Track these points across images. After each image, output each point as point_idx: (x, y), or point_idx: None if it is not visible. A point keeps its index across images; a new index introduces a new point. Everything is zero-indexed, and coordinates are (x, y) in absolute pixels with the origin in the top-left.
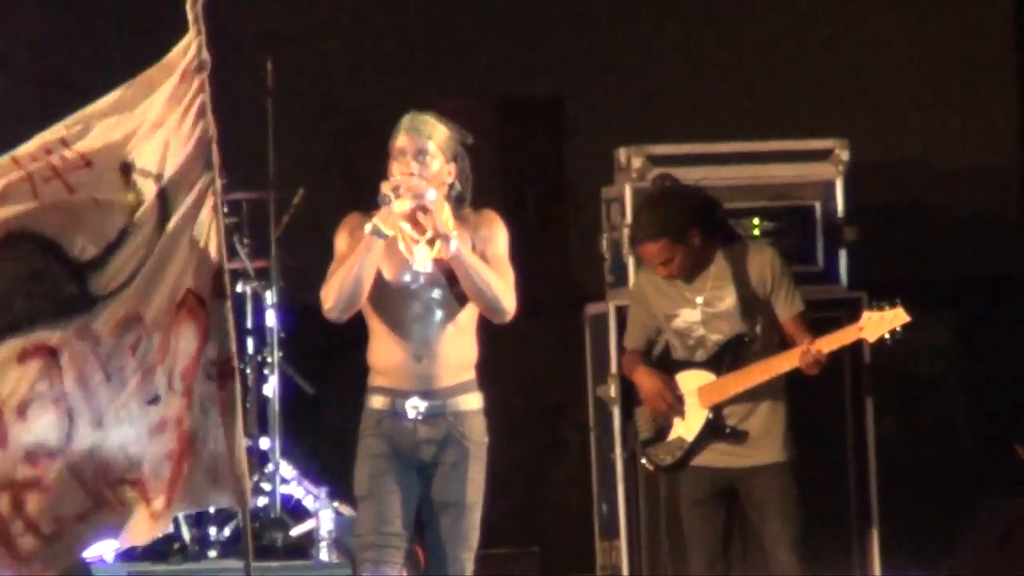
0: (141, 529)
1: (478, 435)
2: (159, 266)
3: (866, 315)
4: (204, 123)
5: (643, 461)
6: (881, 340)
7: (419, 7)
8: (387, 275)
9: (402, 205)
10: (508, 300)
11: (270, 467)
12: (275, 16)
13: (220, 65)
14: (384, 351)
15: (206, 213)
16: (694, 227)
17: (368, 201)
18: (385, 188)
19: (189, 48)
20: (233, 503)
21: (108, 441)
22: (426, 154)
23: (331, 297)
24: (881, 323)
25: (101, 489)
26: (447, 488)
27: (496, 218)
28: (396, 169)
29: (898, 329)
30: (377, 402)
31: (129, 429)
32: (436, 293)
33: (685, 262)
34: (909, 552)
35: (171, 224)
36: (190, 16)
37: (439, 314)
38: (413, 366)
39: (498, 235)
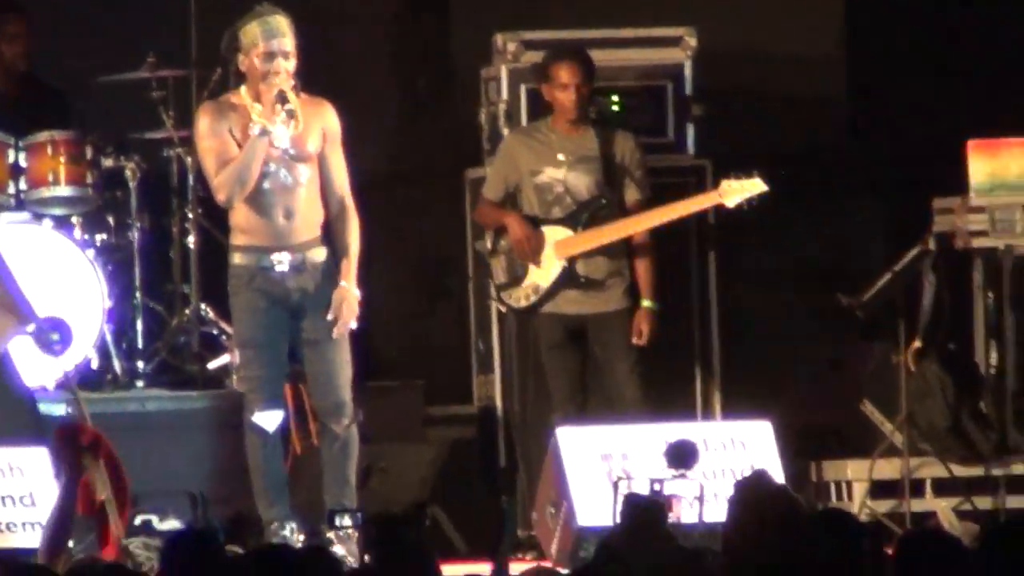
0: None
1: (334, 281)
2: None
3: (725, 183)
4: None
5: (495, 302)
6: (739, 206)
7: None
8: (266, 153)
9: (282, 108)
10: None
11: (189, 309)
12: None
13: None
14: (251, 214)
15: None
16: (592, 79)
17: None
18: (268, 90)
19: None
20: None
21: None
22: (288, 54)
23: (227, 190)
24: (740, 190)
25: None
26: (324, 327)
27: (330, 107)
28: (272, 74)
29: (755, 197)
30: (245, 259)
31: None
32: (300, 168)
33: (582, 101)
34: (745, 397)
35: None
36: None
37: (297, 181)
38: (282, 224)
39: (335, 119)
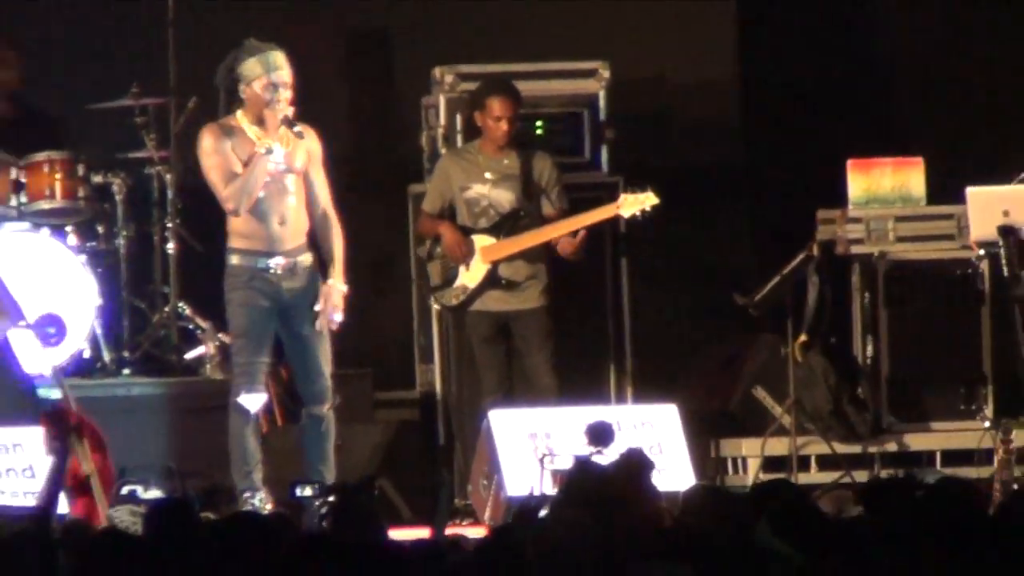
0: None
1: (318, 282)
2: None
3: (623, 196)
4: None
5: (431, 301)
6: (634, 216)
7: None
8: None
9: (289, 130)
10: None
11: (169, 307)
12: None
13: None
14: (251, 221)
15: None
16: (518, 113)
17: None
18: (272, 115)
19: None
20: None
21: None
22: (288, 84)
23: (236, 200)
24: (635, 203)
25: None
26: (310, 322)
27: (314, 132)
28: (275, 102)
29: (648, 208)
30: (243, 261)
31: None
32: (289, 180)
33: (510, 130)
34: (653, 384)
35: None
36: None
37: (289, 193)
38: (277, 230)
39: (319, 145)
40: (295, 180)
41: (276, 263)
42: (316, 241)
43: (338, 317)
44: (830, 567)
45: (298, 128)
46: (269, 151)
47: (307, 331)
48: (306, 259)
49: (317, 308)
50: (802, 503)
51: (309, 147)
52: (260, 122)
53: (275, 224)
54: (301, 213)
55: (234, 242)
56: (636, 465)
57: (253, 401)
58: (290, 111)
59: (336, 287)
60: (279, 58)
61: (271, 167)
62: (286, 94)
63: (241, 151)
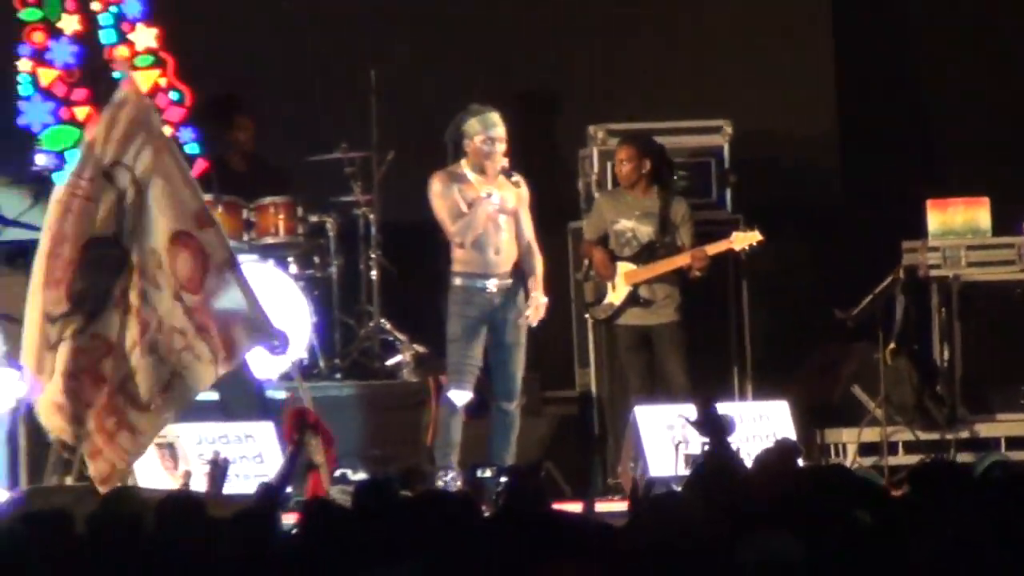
0: (208, 377)
1: (523, 301)
2: (141, 228)
3: (735, 234)
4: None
5: (586, 315)
6: (744, 250)
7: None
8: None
9: (508, 179)
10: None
11: (373, 323)
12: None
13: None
14: (472, 250)
15: (167, 181)
16: (649, 156)
17: (433, 163)
18: (493, 166)
19: (116, 94)
20: (267, 340)
21: (165, 329)
22: (503, 140)
23: (462, 236)
24: (745, 239)
25: (173, 361)
26: (514, 334)
27: (523, 180)
28: (495, 154)
29: (755, 243)
30: (464, 281)
31: (176, 321)
32: (502, 218)
33: (634, 173)
34: (770, 383)
35: (147, 198)
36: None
37: (504, 228)
38: (493, 258)
39: (527, 191)
40: (507, 219)
41: (492, 284)
42: (522, 267)
43: (533, 323)
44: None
45: (515, 177)
46: (489, 195)
47: (509, 340)
48: (514, 282)
49: (527, 314)
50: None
51: (520, 192)
52: (481, 171)
53: (491, 254)
54: (512, 245)
55: (457, 267)
56: (788, 451)
57: (460, 397)
58: (505, 162)
59: (540, 299)
60: (495, 118)
61: (490, 209)
62: (501, 147)
63: (465, 194)
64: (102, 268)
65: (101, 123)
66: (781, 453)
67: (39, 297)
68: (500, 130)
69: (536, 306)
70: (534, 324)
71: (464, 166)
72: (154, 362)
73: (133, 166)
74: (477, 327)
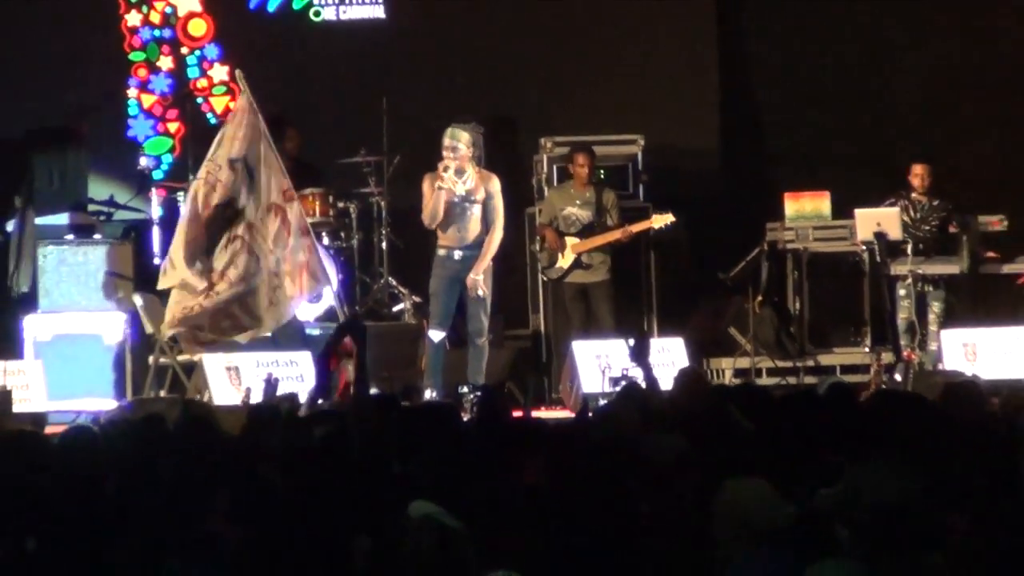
0: (288, 311)
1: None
2: (256, 199)
3: (654, 216)
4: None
5: (541, 276)
6: (663, 227)
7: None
8: (447, 199)
9: (449, 175)
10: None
11: (383, 280)
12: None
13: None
14: (443, 229)
15: (267, 165)
16: (593, 163)
17: (430, 164)
18: (440, 168)
19: (238, 99)
20: (325, 285)
21: (266, 271)
22: (457, 149)
23: (428, 219)
24: (662, 219)
25: (270, 294)
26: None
27: (495, 177)
28: (450, 159)
29: (668, 223)
30: (441, 251)
31: (272, 266)
32: (466, 205)
33: (591, 174)
34: (671, 325)
35: (256, 180)
36: (241, 84)
37: (468, 213)
38: (457, 235)
39: (497, 185)
40: (472, 205)
41: (457, 254)
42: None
43: (481, 293)
44: (770, 432)
45: (467, 175)
46: (441, 188)
47: (472, 295)
48: (477, 252)
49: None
50: (756, 394)
51: (487, 186)
52: (458, 171)
53: (456, 231)
54: (477, 225)
55: (438, 241)
56: (698, 374)
57: (436, 335)
58: (455, 164)
59: (472, 276)
60: (453, 132)
61: (445, 198)
62: (456, 153)
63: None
64: (221, 222)
65: (228, 127)
66: (694, 374)
67: (181, 248)
68: (449, 141)
69: (470, 282)
70: (472, 295)
71: (440, 166)
72: (262, 290)
73: (246, 156)
74: (450, 285)
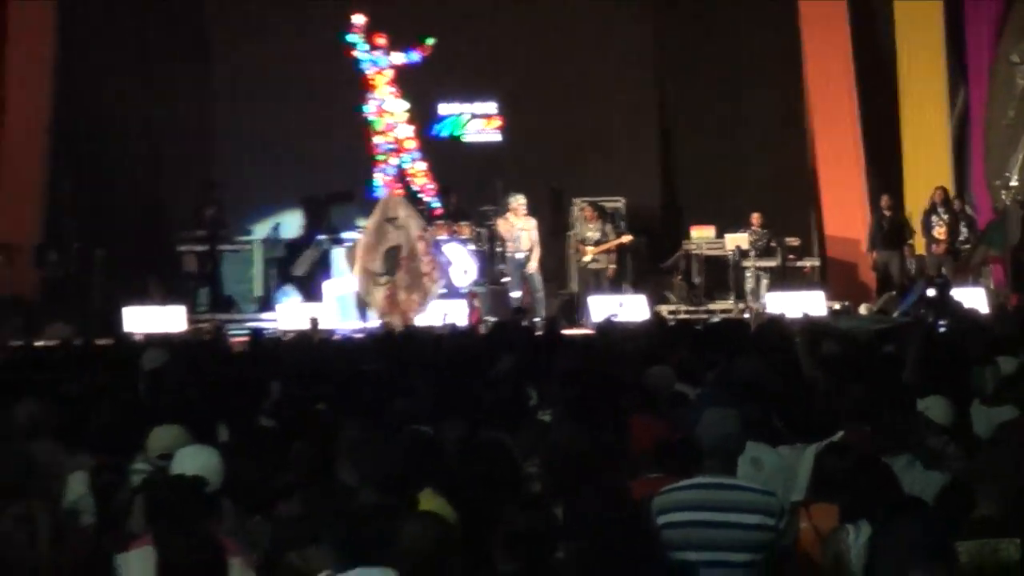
0: (433, 296)
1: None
2: (407, 238)
3: (623, 237)
4: None
5: (577, 263)
6: (627, 243)
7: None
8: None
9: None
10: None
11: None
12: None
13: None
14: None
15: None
16: (601, 213)
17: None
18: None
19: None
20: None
21: (420, 275)
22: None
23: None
24: (627, 238)
25: (426, 286)
26: (533, 272)
27: (535, 223)
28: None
29: (631, 240)
30: (518, 255)
31: (424, 268)
32: (524, 234)
33: (596, 216)
34: (642, 291)
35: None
36: None
37: (527, 236)
38: (517, 246)
39: (535, 228)
40: (528, 235)
41: (521, 255)
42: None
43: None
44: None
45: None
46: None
47: (530, 274)
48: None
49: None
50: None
51: (534, 225)
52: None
53: (516, 246)
54: (528, 243)
55: (506, 247)
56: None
57: (517, 293)
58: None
59: (530, 266)
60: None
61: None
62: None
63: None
64: (390, 244)
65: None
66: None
67: (361, 261)
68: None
69: (531, 269)
70: (530, 273)
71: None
72: (423, 285)
73: (398, 218)
74: (517, 273)
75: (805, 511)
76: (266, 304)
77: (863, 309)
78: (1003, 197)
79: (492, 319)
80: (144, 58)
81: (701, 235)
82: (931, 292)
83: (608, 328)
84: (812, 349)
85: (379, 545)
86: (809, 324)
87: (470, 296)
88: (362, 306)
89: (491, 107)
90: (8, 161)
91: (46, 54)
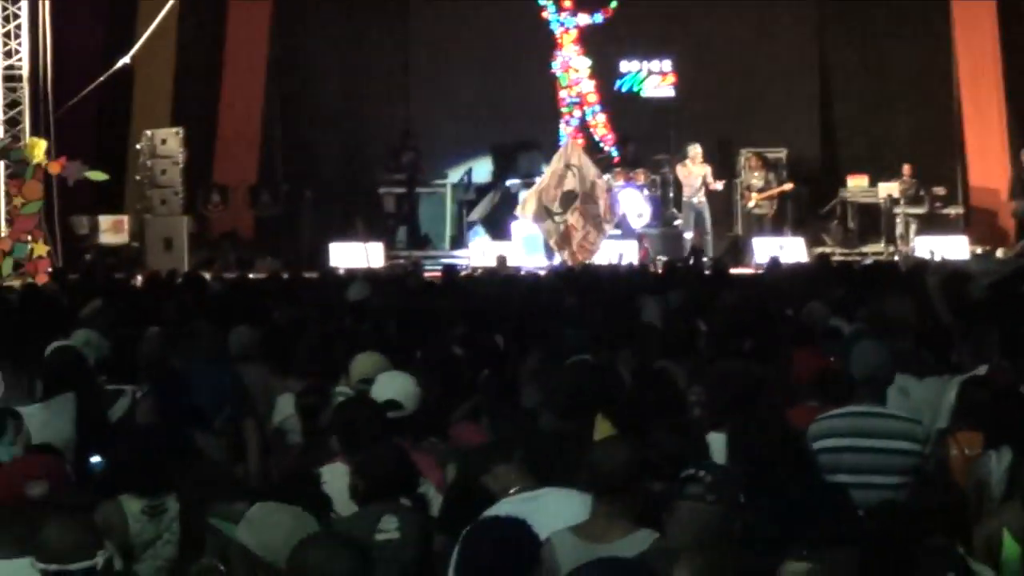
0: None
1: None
2: (583, 184)
3: (787, 184)
4: None
5: (742, 208)
6: (789, 190)
7: None
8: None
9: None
10: None
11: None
12: None
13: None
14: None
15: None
16: (760, 160)
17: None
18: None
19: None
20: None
21: (596, 215)
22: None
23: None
24: (789, 186)
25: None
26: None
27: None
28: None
29: (792, 188)
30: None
31: (599, 211)
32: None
33: (762, 164)
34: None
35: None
36: None
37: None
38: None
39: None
40: (702, 180)
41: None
42: None
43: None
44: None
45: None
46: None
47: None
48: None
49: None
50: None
51: (705, 172)
52: None
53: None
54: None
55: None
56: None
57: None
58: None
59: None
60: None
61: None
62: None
63: None
64: (567, 188)
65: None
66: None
67: (540, 200)
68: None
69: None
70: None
71: None
72: (598, 226)
73: (576, 164)
74: (691, 215)
75: (952, 438)
76: (458, 242)
77: (1000, 253)
78: None
79: (662, 258)
80: (349, 14)
81: (856, 184)
82: None
83: (774, 266)
84: (946, 293)
85: (565, 467)
86: (942, 268)
87: (640, 237)
88: (548, 246)
89: (667, 64)
90: (228, 109)
91: (265, 8)
